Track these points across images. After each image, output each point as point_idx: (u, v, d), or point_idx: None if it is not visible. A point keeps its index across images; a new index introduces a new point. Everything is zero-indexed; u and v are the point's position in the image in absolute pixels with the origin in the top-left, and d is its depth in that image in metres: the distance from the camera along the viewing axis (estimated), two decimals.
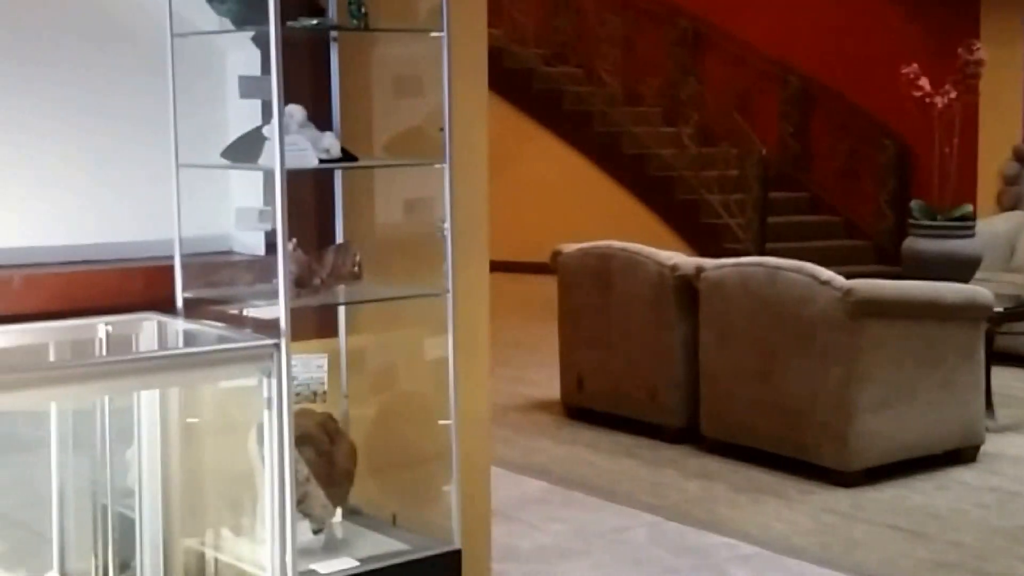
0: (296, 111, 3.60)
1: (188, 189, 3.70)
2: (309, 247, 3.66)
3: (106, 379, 3.23)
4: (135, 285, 3.69)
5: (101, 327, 3.55)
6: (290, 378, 3.34)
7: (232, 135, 3.81)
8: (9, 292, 3.47)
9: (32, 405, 3.41)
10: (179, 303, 3.70)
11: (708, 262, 7.13)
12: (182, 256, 3.70)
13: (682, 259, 7.32)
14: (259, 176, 3.81)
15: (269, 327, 3.37)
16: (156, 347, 3.62)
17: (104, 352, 3.54)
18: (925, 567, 5.32)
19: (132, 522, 3.62)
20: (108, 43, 3.79)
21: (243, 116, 3.83)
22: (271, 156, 3.34)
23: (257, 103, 3.78)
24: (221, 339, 3.48)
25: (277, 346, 3.31)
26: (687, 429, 7.15)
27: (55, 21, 3.71)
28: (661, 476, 6.61)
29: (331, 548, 3.68)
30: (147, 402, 3.59)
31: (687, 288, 7.12)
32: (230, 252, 3.99)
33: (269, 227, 3.65)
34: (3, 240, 3.64)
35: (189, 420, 3.65)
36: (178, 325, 3.65)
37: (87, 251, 3.75)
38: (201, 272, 3.75)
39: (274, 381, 3.31)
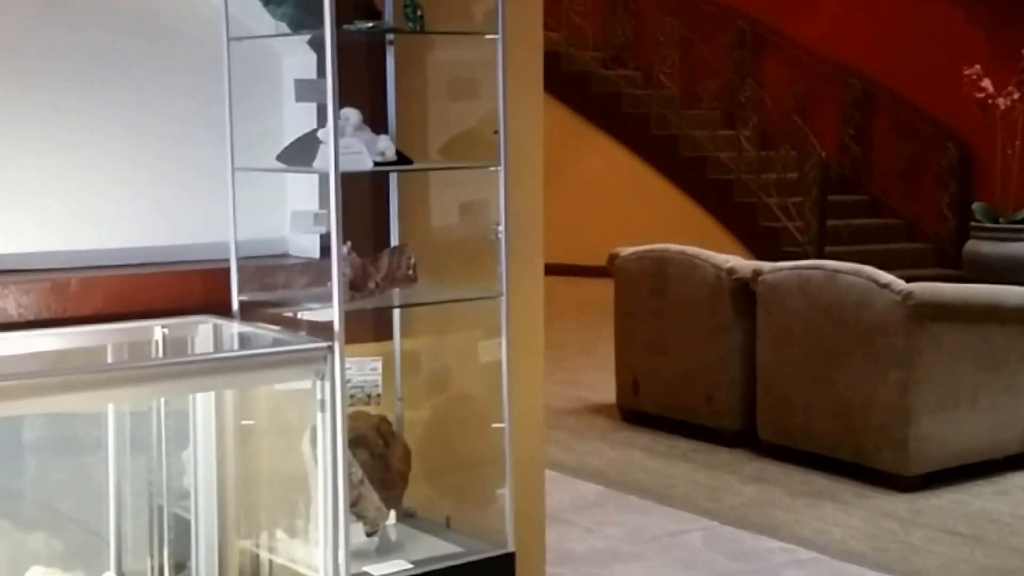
0: (352, 114, 3.59)
1: (244, 192, 3.71)
2: (364, 250, 3.66)
3: (162, 381, 3.25)
4: (191, 288, 3.70)
5: (157, 329, 3.57)
6: (344, 381, 3.34)
7: (287, 138, 3.82)
8: (66, 295, 3.49)
9: (90, 407, 3.44)
10: (235, 306, 3.72)
11: (766, 265, 7.09)
12: (238, 259, 3.72)
13: (739, 262, 7.29)
14: (314, 179, 3.82)
15: (324, 330, 3.38)
16: (212, 349, 3.64)
17: (160, 354, 3.56)
18: (984, 573, 5.27)
19: (188, 523, 3.64)
20: (164, 47, 3.81)
21: (299, 119, 3.84)
22: (326, 159, 3.34)
23: (312, 106, 3.79)
24: (276, 342, 3.50)
25: (331, 349, 3.32)
26: (743, 433, 7.12)
27: (112, 25, 3.74)
28: (717, 480, 6.58)
29: (385, 550, 3.68)
30: (203, 404, 3.60)
31: (744, 291, 7.09)
32: (285, 255, 4.00)
33: (324, 230, 3.65)
34: (60, 243, 3.66)
35: (244, 422, 3.67)
36: (233, 328, 3.66)
37: (143, 254, 3.77)
38: (256, 275, 3.76)
39: (328, 384, 3.32)
